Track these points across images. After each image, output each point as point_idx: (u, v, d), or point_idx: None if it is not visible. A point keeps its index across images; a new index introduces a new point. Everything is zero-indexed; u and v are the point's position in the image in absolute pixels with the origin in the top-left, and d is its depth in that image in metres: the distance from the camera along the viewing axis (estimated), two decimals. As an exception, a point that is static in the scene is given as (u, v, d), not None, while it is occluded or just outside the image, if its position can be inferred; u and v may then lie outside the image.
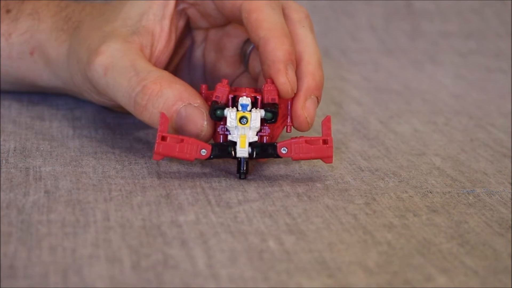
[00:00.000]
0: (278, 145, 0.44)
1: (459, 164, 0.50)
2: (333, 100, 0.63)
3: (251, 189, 0.44)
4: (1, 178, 0.43)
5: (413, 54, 0.81)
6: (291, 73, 0.44)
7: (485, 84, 0.72)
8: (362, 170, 0.48)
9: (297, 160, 0.45)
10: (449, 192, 0.45)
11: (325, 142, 0.44)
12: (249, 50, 0.50)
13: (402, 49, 0.82)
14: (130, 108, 0.45)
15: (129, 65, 0.45)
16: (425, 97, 0.66)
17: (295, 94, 0.45)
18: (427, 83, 0.72)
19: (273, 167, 0.47)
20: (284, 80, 0.44)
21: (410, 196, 0.44)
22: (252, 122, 0.44)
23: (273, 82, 0.44)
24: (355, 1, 0.87)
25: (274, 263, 0.36)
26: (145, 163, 0.47)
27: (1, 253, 0.35)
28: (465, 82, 0.72)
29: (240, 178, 0.45)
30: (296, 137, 0.45)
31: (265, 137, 0.45)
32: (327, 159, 0.45)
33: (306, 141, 0.44)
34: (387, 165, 0.49)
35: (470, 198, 0.45)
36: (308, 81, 0.45)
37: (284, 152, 0.44)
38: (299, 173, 0.47)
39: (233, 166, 0.47)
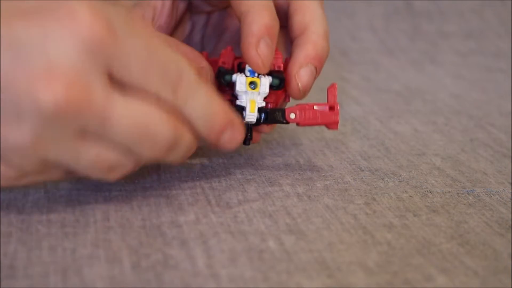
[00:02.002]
0: (286, 110, 0.44)
1: (459, 164, 0.50)
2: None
3: (251, 189, 0.44)
4: (1, 178, 0.43)
5: (413, 54, 0.81)
6: (263, 47, 0.43)
7: (485, 84, 0.72)
8: (362, 170, 0.48)
9: (303, 126, 0.45)
10: (449, 192, 0.45)
11: (331, 108, 0.44)
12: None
13: (402, 49, 0.82)
14: None
15: None
16: (425, 97, 0.66)
17: (292, 60, 0.45)
18: (427, 83, 0.72)
19: (273, 167, 0.47)
20: (254, 53, 0.43)
21: (410, 196, 0.44)
22: (261, 87, 0.43)
23: (279, 50, 0.44)
24: (355, 1, 0.87)
25: (274, 263, 0.36)
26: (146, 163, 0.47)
27: (1, 253, 0.35)
28: (465, 82, 0.73)
29: (244, 144, 0.44)
30: (303, 104, 0.45)
31: (269, 104, 0.45)
32: (333, 125, 0.44)
33: (313, 107, 0.44)
34: (387, 165, 0.49)
35: (470, 198, 0.45)
36: (308, 49, 0.45)
37: (292, 117, 0.44)
38: (299, 173, 0.47)
39: (233, 167, 0.47)
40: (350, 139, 0.54)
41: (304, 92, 0.45)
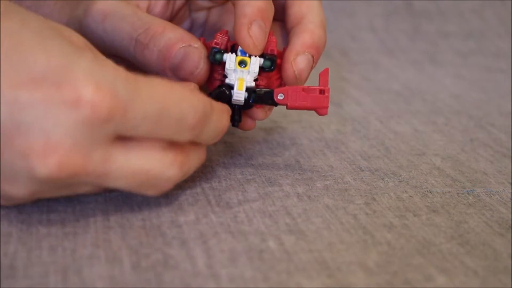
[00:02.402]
0: (275, 91, 0.44)
1: (459, 164, 0.50)
2: (333, 100, 0.63)
3: (251, 189, 0.44)
4: (1, 178, 0.43)
5: (413, 54, 0.81)
6: (255, 29, 0.43)
7: (485, 84, 0.72)
8: (362, 170, 0.48)
9: (292, 108, 0.44)
10: (449, 192, 0.45)
11: (322, 92, 0.44)
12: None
13: (402, 49, 0.82)
14: (129, 49, 0.45)
15: (131, 13, 0.45)
16: (425, 97, 0.66)
17: (289, 48, 0.45)
18: (427, 83, 0.72)
19: (273, 167, 0.47)
20: (245, 34, 0.43)
21: (410, 196, 0.44)
22: (251, 66, 0.43)
23: (272, 34, 0.44)
24: (355, 1, 0.87)
25: (274, 263, 0.36)
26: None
27: (1, 253, 0.35)
28: (465, 82, 0.73)
29: (233, 125, 0.45)
30: (293, 86, 0.44)
31: (261, 87, 0.44)
32: (323, 109, 0.44)
33: (303, 89, 0.44)
34: (387, 165, 0.49)
35: (470, 198, 0.45)
36: (305, 37, 0.45)
37: (280, 98, 0.43)
38: (299, 173, 0.47)
39: (233, 167, 0.47)
40: (350, 139, 0.54)
41: (301, 80, 0.45)
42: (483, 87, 0.71)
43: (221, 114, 0.40)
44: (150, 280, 0.34)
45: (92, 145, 0.35)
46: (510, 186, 0.47)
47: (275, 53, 0.44)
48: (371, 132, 0.56)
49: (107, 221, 0.39)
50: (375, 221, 0.41)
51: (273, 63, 0.44)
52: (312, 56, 0.45)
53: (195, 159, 0.40)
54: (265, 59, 0.44)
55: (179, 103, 0.37)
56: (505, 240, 0.40)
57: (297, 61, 0.44)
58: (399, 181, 0.47)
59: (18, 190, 0.35)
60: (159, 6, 0.48)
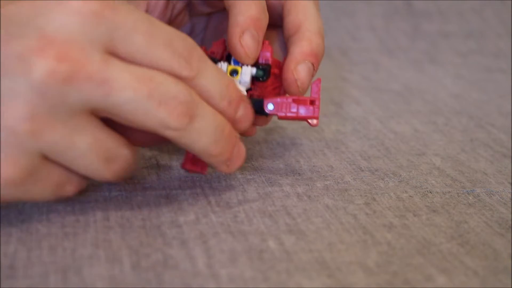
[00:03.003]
0: (264, 101, 0.43)
1: (459, 164, 0.50)
2: (333, 100, 0.63)
3: (251, 189, 0.44)
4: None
5: (413, 54, 0.81)
6: (247, 38, 0.43)
7: (485, 84, 0.72)
8: (362, 170, 0.48)
9: (282, 119, 0.43)
10: (449, 192, 0.45)
11: (312, 102, 0.43)
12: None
13: (402, 49, 0.82)
14: None
15: None
16: (425, 97, 0.66)
17: (287, 59, 0.44)
18: (427, 83, 0.72)
19: (273, 167, 0.47)
20: (237, 43, 0.42)
21: (410, 196, 0.44)
22: (242, 75, 0.43)
23: (269, 44, 0.44)
24: (355, 1, 0.87)
25: (274, 263, 0.36)
26: (145, 163, 0.47)
27: (1, 253, 0.35)
28: (465, 82, 0.73)
29: None
30: (284, 96, 0.44)
31: (255, 97, 0.44)
32: (313, 120, 0.43)
33: (293, 100, 0.43)
34: (387, 165, 0.49)
35: (470, 198, 0.45)
36: (303, 46, 0.44)
37: (270, 108, 0.43)
38: (299, 173, 0.47)
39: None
40: (350, 139, 0.54)
41: (303, 89, 0.44)
42: (483, 87, 0.71)
43: (218, 70, 0.39)
44: (150, 280, 0.34)
45: (88, 43, 0.34)
46: (510, 186, 0.47)
47: (270, 62, 0.44)
48: (371, 132, 0.56)
49: (107, 221, 0.39)
50: (375, 221, 0.41)
51: (265, 73, 0.43)
52: (312, 64, 0.44)
53: (207, 110, 0.38)
54: (258, 68, 0.43)
55: (166, 27, 0.37)
56: (505, 240, 0.40)
57: (298, 70, 0.44)
58: (399, 181, 0.47)
59: (18, 110, 0.34)
60: (158, 8, 0.47)
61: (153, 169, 0.46)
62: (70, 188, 0.37)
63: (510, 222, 0.42)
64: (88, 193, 0.42)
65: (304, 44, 0.44)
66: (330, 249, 0.37)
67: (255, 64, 0.43)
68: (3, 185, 0.35)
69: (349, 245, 0.38)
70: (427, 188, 0.46)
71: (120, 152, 0.37)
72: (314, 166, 0.48)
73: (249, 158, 0.49)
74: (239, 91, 0.40)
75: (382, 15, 0.86)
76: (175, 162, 0.47)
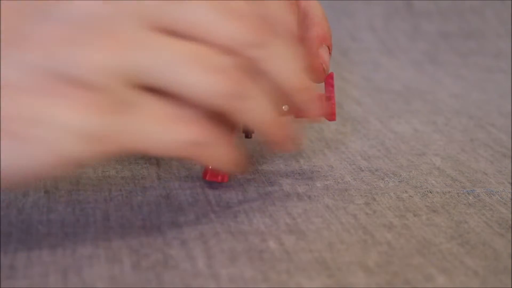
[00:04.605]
0: None
1: (459, 164, 0.50)
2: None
3: (251, 189, 0.44)
4: (1, 178, 0.43)
5: (413, 54, 0.81)
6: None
7: (485, 84, 0.72)
8: (362, 170, 0.48)
9: (299, 118, 0.41)
10: (449, 192, 0.45)
11: (328, 98, 0.43)
12: None
13: (402, 49, 0.82)
14: None
15: None
16: (425, 97, 0.66)
17: (307, 43, 0.43)
18: (427, 83, 0.72)
19: (273, 167, 0.47)
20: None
21: (410, 196, 0.44)
22: None
23: None
24: (355, 1, 0.87)
25: (274, 263, 0.36)
26: (145, 163, 0.47)
27: (1, 253, 0.35)
28: (465, 82, 0.72)
29: (246, 137, 0.43)
30: None
31: None
32: (330, 116, 0.43)
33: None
34: (387, 165, 0.49)
35: (470, 198, 0.45)
36: (317, 30, 0.44)
37: (285, 109, 0.41)
38: (299, 173, 0.47)
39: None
40: (350, 139, 0.54)
41: (327, 72, 0.44)
42: (483, 87, 0.71)
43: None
44: (150, 280, 0.34)
45: None
46: (510, 186, 0.47)
47: None
48: (371, 132, 0.56)
49: (107, 221, 0.39)
50: (375, 221, 0.41)
51: None
52: (328, 47, 0.44)
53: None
54: None
55: None
56: (505, 240, 0.40)
57: (320, 54, 0.43)
58: (399, 181, 0.47)
59: (98, 34, 0.32)
60: None
61: (153, 169, 0.46)
62: (190, 128, 0.34)
63: (510, 222, 0.42)
64: (88, 193, 0.42)
65: (317, 29, 0.44)
66: (330, 249, 0.37)
67: None
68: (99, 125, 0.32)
69: (349, 245, 0.38)
70: (427, 188, 0.46)
71: (224, 60, 0.34)
72: (314, 166, 0.48)
73: (249, 158, 0.49)
74: (305, 79, 0.38)
75: (382, 15, 0.86)
76: (175, 162, 0.47)
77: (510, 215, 0.43)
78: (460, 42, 0.84)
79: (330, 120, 0.44)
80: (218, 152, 0.36)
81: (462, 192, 0.46)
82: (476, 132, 0.57)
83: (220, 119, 0.36)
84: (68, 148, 0.32)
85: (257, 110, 0.36)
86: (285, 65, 0.37)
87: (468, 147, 0.54)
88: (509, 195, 0.45)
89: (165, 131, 0.34)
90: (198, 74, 0.33)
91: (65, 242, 0.37)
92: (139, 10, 0.32)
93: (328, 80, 0.43)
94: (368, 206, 0.43)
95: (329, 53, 0.44)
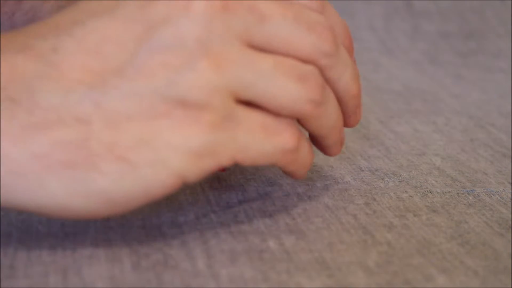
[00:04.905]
0: None
1: (459, 164, 0.50)
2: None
3: (251, 189, 0.44)
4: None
5: (413, 54, 0.81)
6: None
7: (485, 84, 0.72)
8: (362, 170, 0.48)
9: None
10: (449, 192, 0.45)
11: None
12: None
13: (402, 49, 0.82)
14: None
15: None
16: (425, 97, 0.66)
17: None
18: (427, 83, 0.72)
19: (273, 167, 0.47)
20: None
21: (410, 196, 0.44)
22: None
23: None
24: (355, 1, 0.87)
25: (274, 263, 0.36)
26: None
27: (1, 253, 0.35)
28: (465, 82, 0.73)
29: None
30: None
31: None
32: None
33: None
34: (387, 165, 0.49)
35: (470, 198, 0.45)
36: (344, 42, 0.45)
37: None
38: (299, 173, 0.47)
39: (232, 167, 0.47)
40: (350, 139, 0.54)
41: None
42: (483, 87, 0.71)
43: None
44: (150, 280, 0.34)
45: None
46: (510, 186, 0.47)
47: None
48: (371, 132, 0.56)
49: (107, 221, 0.39)
50: (375, 221, 0.41)
51: None
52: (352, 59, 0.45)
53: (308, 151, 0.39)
54: None
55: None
56: (505, 240, 0.40)
57: None
58: (399, 181, 0.47)
59: (191, 52, 0.34)
60: None
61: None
62: (285, 136, 0.37)
63: (510, 222, 0.42)
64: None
65: (343, 40, 0.45)
66: (330, 249, 0.37)
67: None
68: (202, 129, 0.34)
69: (349, 245, 0.38)
70: (427, 188, 0.46)
71: (306, 69, 0.37)
72: (314, 166, 0.48)
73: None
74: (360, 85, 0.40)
75: (382, 15, 0.86)
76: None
77: (510, 215, 0.43)
78: (460, 42, 0.84)
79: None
80: (306, 157, 0.38)
81: (462, 192, 0.46)
82: (476, 132, 0.57)
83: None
84: (177, 166, 0.34)
85: (331, 115, 0.39)
86: (348, 71, 0.39)
87: (468, 147, 0.54)
88: (509, 195, 0.45)
89: (265, 140, 0.36)
90: (289, 83, 0.36)
91: (65, 242, 0.37)
92: (232, 31, 0.35)
93: None
94: (368, 206, 0.43)
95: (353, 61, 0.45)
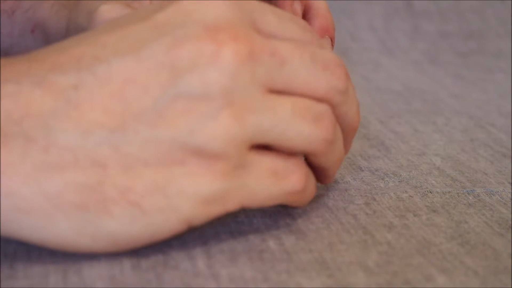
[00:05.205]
0: None
1: (459, 164, 0.50)
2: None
3: (251, 189, 0.44)
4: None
5: (413, 54, 0.81)
6: (296, 7, 0.44)
7: (485, 84, 0.72)
8: (362, 170, 0.48)
9: None
10: (449, 192, 0.45)
11: None
12: None
13: (402, 49, 0.82)
14: None
15: None
16: (425, 97, 0.66)
17: None
18: (427, 83, 0.72)
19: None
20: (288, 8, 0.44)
21: (410, 196, 0.44)
22: None
23: None
24: (355, 1, 0.87)
25: (274, 263, 0.36)
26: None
27: (1, 253, 0.35)
28: (465, 82, 0.73)
29: None
30: None
31: None
32: None
33: None
34: (387, 165, 0.49)
35: (470, 198, 0.45)
36: (321, 21, 0.45)
37: None
38: (299, 173, 0.47)
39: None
40: (350, 139, 0.54)
41: None
42: (483, 87, 0.71)
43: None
44: (150, 280, 0.34)
45: (241, 23, 0.35)
46: (510, 186, 0.47)
47: None
48: (371, 132, 0.56)
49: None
50: (375, 221, 0.41)
51: None
52: (331, 39, 0.45)
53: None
54: None
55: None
56: (505, 240, 0.40)
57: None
58: (399, 181, 0.47)
59: (216, 102, 0.33)
60: None
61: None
62: (294, 179, 0.37)
63: (510, 222, 0.42)
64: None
65: (320, 21, 0.45)
66: (330, 249, 0.37)
67: None
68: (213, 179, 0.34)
69: (349, 245, 0.38)
70: (427, 188, 0.46)
71: (322, 109, 0.37)
72: (314, 166, 0.48)
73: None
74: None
75: (382, 15, 0.86)
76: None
77: (510, 215, 0.43)
78: (460, 42, 0.84)
79: None
80: (311, 193, 0.39)
81: (462, 192, 0.46)
82: (476, 132, 0.57)
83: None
84: (186, 213, 0.34)
85: (338, 149, 0.39)
86: (355, 105, 0.40)
87: (468, 147, 0.54)
88: (509, 195, 0.45)
89: (273, 185, 0.36)
90: (305, 125, 0.36)
91: (65, 242, 0.37)
92: (256, 79, 0.35)
93: None
94: (368, 206, 0.43)
95: (332, 44, 0.45)
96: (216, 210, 0.35)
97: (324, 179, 0.41)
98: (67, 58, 0.34)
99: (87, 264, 0.35)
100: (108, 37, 0.34)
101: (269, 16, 0.37)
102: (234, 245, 0.37)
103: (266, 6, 0.37)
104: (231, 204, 0.35)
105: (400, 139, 0.54)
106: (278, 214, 0.41)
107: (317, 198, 0.43)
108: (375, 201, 0.43)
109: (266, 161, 0.36)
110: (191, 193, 0.34)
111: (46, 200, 0.32)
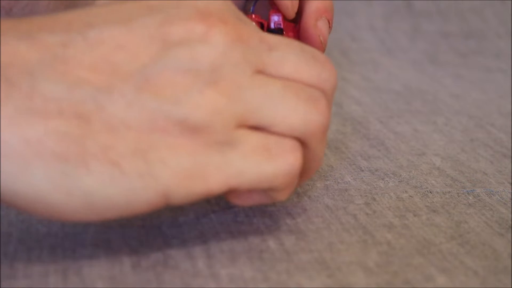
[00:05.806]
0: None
1: (459, 164, 0.50)
2: (333, 100, 0.63)
3: (251, 189, 0.44)
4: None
5: (413, 54, 0.81)
6: (321, 25, 0.44)
7: (485, 84, 0.72)
8: (362, 170, 0.48)
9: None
10: (449, 192, 0.45)
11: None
12: (251, 9, 0.50)
13: (402, 49, 0.82)
14: None
15: None
16: (425, 97, 0.66)
17: (305, 15, 0.45)
18: (427, 83, 0.72)
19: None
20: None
21: (410, 196, 0.44)
22: None
23: (278, 9, 0.45)
24: (355, 1, 0.87)
25: (274, 263, 0.36)
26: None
27: (1, 253, 0.35)
28: (465, 82, 0.73)
29: None
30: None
31: None
32: None
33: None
34: (387, 165, 0.49)
35: (470, 198, 0.45)
36: (317, 3, 0.45)
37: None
38: (299, 173, 0.47)
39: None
40: (350, 139, 0.54)
41: (325, 45, 0.45)
42: (483, 87, 0.71)
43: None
44: (150, 280, 0.34)
45: (231, 12, 0.36)
46: (510, 186, 0.47)
47: (282, 26, 0.44)
48: (371, 132, 0.56)
49: (107, 221, 0.39)
50: (375, 221, 0.41)
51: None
52: (328, 21, 0.45)
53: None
54: (270, 32, 0.44)
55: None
56: (505, 240, 0.40)
57: (318, 26, 0.45)
58: (399, 181, 0.47)
59: (209, 76, 0.34)
60: None
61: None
62: (291, 157, 0.35)
63: (510, 222, 0.42)
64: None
65: (317, 2, 0.45)
66: (330, 249, 0.37)
67: (268, 30, 0.44)
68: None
69: (349, 245, 0.38)
70: (427, 188, 0.46)
71: (316, 93, 0.37)
72: (314, 166, 0.48)
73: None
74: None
75: (382, 15, 0.86)
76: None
77: (510, 215, 0.43)
78: (460, 42, 0.84)
79: None
80: (294, 186, 0.37)
81: (462, 192, 0.46)
82: (476, 132, 0.57)
83: None
84: (164, 183, 0.33)
85: (323, 150, 0.38)
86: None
87: (468, 147, 0.54)
88: (509, 195, 0.45)
89: (265, 163, 0.35)
90: (299, 103, 0.36)
91: (65, 242, 0.37)
92: (246, 60, 0.35)
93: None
94: (368, 206, 0.43)
95: (329, 26, 0.45)
96: (198, 186, 0.34)
97: (302, 177, 0.39)
98: (55, 21, 0.34)
99: (87, 264, 0.35)
100: (99, 9, 0.35)
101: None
102: (234, 245, 0.37)
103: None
104: (214, 183, 0.34)
105: (400, 139, 0.54)
106: (278, 214, 0.41)
107: (317, 198, 0.43)
108: (375, 201, 0.43)
109: (257, 137, 0.35)
110: (171, 163, 0.33)
111: (27, 145, 0.31)
